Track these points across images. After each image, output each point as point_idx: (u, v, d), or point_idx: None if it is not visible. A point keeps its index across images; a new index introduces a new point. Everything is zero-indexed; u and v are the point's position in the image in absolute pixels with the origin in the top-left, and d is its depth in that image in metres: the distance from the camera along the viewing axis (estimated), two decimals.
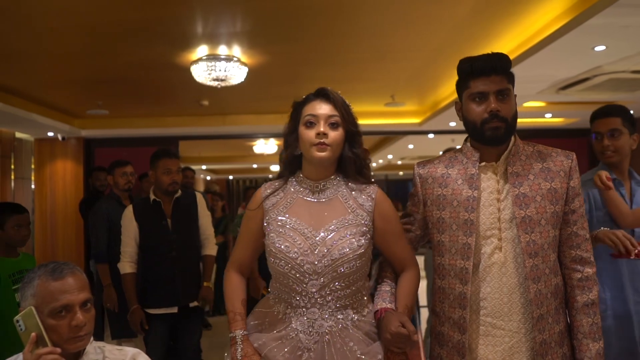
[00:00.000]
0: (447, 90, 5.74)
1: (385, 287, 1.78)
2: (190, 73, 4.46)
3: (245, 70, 4.39)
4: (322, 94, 1.74)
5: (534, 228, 1.68)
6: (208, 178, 16.39)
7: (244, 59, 4.38)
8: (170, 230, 3.36)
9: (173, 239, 3.35)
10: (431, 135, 7.87)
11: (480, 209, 1.72)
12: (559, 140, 7.52)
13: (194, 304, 3.41)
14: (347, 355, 1.64)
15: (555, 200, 1.71)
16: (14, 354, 1.63)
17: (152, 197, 3.39)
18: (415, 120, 7.13)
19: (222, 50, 4.18)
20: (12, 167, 6.87)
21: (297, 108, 1.77)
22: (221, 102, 6.14)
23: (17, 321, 1.48)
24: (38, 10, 3.34)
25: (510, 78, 1.74)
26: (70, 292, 1.51)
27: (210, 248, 3.57)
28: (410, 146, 9.88)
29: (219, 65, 4.18)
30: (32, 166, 7.35)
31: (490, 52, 1.73)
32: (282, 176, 1.82)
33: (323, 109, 1.71)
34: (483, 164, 1.76)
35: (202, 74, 4.29)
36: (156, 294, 3.30)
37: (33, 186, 7.35)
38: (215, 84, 4.37)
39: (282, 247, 1.67)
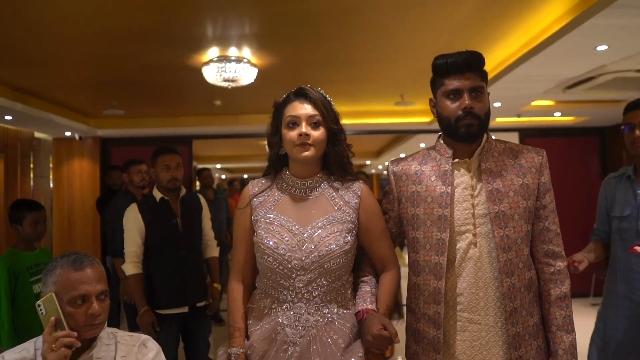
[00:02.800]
0: None
1: (366, 288, 1.82)
2: (202, 74, 4.58)
3: (255, 71, 4.49)
4: (302, 94, 1.79)
5: (508, 223, 1.72)
6: (223, 177, 16.56)
7: (253, 60, 4.49)
8: (181, 229, 3.35)
9: (183, 238, 3.34)
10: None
11: (455, 205, 1.76)
12: (570, 139, 7.56)
13: (202, 303, 3.41)
14: (331, 349, 1.70)
15: (527, 196, 1.76)
16: (33, 335, 1.75)
17: (158, 195, 3.35)
18: (425, 119, 7.19)
19: (233, 52, 4.28)
20: (32, 166, 7.06)
21: (279, 109, 1.82)
22: (233, 101, 6.25)
23: (39, 306, 1.60)
24: (58, 17, 3.48)
25: (484, 76, 1.78)
26: (88, 282, 1.62)
27: (214, 250, 3.59)
28: (422, 145, 9.91)
29: (230, 66, 4.29)
30: (50, 165, 7.55)
31: (464, 50, 1.76)
32: (269, 174, 1.88)
33: (304, 109, 1.76)
34: (456, 160, 1.80)
35: (213, 75, 4.41)
36: (167, 294, 3.26)
37: (51, 184, 7.54)
38: (225, 84, 4.48)
39: (270, 243, 1.72)
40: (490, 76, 4.78)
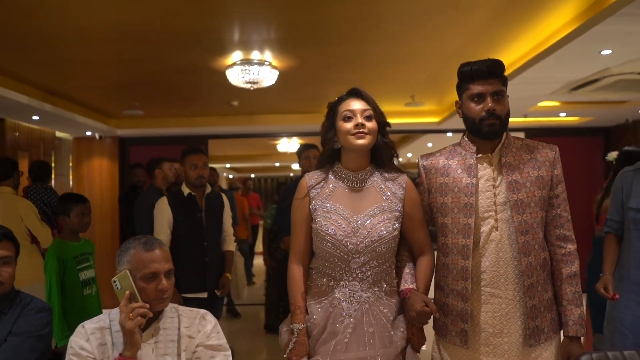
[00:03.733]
0: None
1: (406, 270, 2.06)
2: (223, 76, 4.80)
3: (276, 73, 4.73)
4: (355, 93, 2.04)
5: (525, 210, 1.96)
6: (230, 176, 16.78)
7: (274, 63, 4.72)
8: (204, 222, 3.66)
9: (206, 231, 3.64)
10: (449, 134, 8.12)
11: (478, 194, 1.99)
12: (575, 139, 7.76)
13: (219, 294, 3.71)
14: (382, 320, 1.96)
15: (542, 186, 2.00)
16: (80, 320, 1.94)
17: (186, 191, 3.65)
18: (434, 119, 7.40)
19: (255, 55, 4.51)
20: (53, 164, 7.30)
21: (333, 107, 2.06)
22: (249, 102, 6.47)
23: (114, 281, 1.82)
24: (83, 23, 3.71)
25: (504, 81, 2.02)
26: (158, 262, 1.85)
27: (230, 244, 3.88)
28: (430, 144, 10.15)
29: (252, 69, 4.52)
30: (70, 164, 7.80)
31: (487, 58, 2.00)
32: (323, 167, 2.10)
33: (358, 104, 2.00)
34: (480, 155, 2.03)
35: (236, 77, 4.64)
36: (189, 280, 3.53)
37: (71, 183, 7.78)
38: (248, 86, 4.71)
39: (330, 230, 1.96)
40: None
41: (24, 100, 5.18)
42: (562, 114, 6.88)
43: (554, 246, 2.04)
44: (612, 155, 4.57)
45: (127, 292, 1.80)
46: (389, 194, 2.02)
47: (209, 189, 3.75)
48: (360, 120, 1.97)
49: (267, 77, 4.66)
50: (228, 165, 14.84)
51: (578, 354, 1.95)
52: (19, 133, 6.38)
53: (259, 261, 9.08)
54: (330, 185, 2.05)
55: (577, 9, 3.57)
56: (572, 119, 7.34)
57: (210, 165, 12.48)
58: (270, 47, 4.41)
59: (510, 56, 4.65)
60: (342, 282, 1.97)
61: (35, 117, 6.04)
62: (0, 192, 4.32)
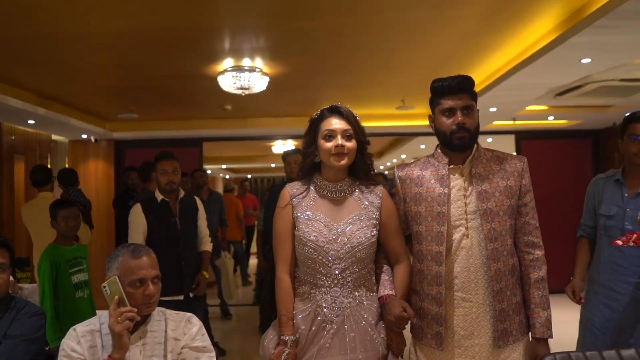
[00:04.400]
0: None
1: (385, 276, 2.14)
2: (216, 81, 4.91)
3: (266, 79, 4.84)
4: (336, 111, 2.11)
5: (494, 218, 2.05)
6: (227, 177, 16.88)
7: (265, 69, 4.82)
8: (179, 227, 3.72)
9: (180, 235, 3.71)
10: None
11: (450, 203, 2.09)
12: (564, 141, 7.89)
13: (194, 293, 3.78)
14: (363, 325, 2.04)
15: (510, 195, 2.09)
16: (72, 322, 2.04)
17: (159, 196, 3.71)
18: (426, 122, 7.43)
19: (246, 62, 4.62)
20: (49, 167, 7.39)
21: (315, 123, 2.13)
22: (243, 106, 6.57)
23: (104, 287, 1.92)
24: (82, 29, 3.80)
25: (474, 96, 2.12)
26: (145, 268, 1.95)
27: (207, 245, 3.99)
28: (422, 146, 10.26)
29: (244, 75, 4.63)
30: (66, 166, 7.87)
31: (457, 75, 2.10)
32: (303, 179, 2.19)
33: (339, 124, 2.07)
34: (451, 166, 2.13)
35: (228, 83, 4.75)
36: (166, 283, 3.58)
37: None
38: (240, 92, 4.81)
39: (312, 236, 2.04)
40: (486, 84, 5.15)
41: (19, 105, 5.27)
42: (551, 118, 6.99)
43: (523, 252, 2.14)
44: None
45: (116, 297, 1.90)
46: (366, 203, 2.11)
47: (182, 193, 3.82)
48: (340, 141, 2.04)
49: (258, 83, 4.77)
50: (224, 167, 14.93)
51: (544, 354, 2.05)
52: (14, 136, 6.47)
53: (256, 262, 9.19)
54: (311, 195, 2.13)
55: (557, 20, 3.69)
56: (561, 122, 7.46)
57: (206, 166, 12.48)
58: (261, 55, 4.52)
59: (496, 63, 4.77)
60: (324, 289, 2.04)
61: (31, 121, 6.13)
62: (43, 197, 4.58)
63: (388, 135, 8.40)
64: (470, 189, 2.10)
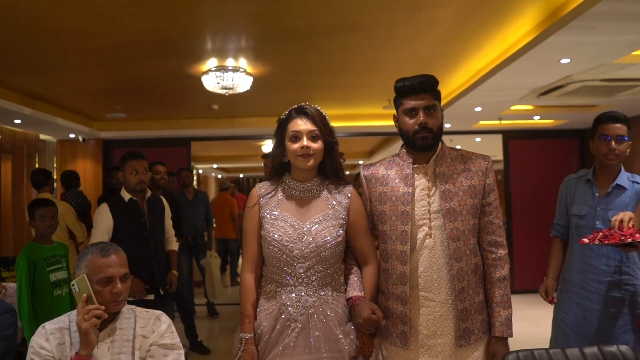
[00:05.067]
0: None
1: (354, 278, 2.14)
2: (200, 81, 4.93)
3: (250, 79, 4.86)
4: (302, 112, 2.10)
5: (457, 217, 2.06)
6: (219, 176, 16.89)
7: (249, 69, 4.84)
8: (148, 226, 3.72)
9: (150, 235, 3.71)
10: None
11: (414, 203, 2.10)
12: (551, 141, 7.95)
13: (165, 291, 3.80)
14: (327, 323, 2.04)
15: (474, 195, 2.09)
16: (50, 318, 2.06)
17: (127, 196, 3.68)
18: None
19: (230, 62, 4.64)
20: (37, 166, 7.40)
21: (282, 125, 2.14)
22: (230, 106, 6.59)
23: (73, 285, 1.95)
24: (68, 30, 3.82)
25: (437, 96, 2.12)
26: (113, 266, 1.98)
27: (174, 244, 4.02)
28: None
29: (227, 75, 4.65)
30: (55, 165, 7.90)
31: (420, 75, 2.09)
32: (273, 179, 2.20)
33: (304, 125, 2.07)
34: (416, 166, 2.14)
35: (212, 83, 4.77)
36: None
37: (55, 184, 7.87)
38: (223, 92, 4.83)
39: (276, 236, 2.05)
40: (468, 84, 5.18)
41: (5, 105, 5.28)
42: (536, 117, 7.03)
43: (486, 251, 2.14)
44: None
45: (84, 295, 1.93)
46: (334, 203, 2.12)
47: (148, 193, 3.82)
48: (305, 142, 2.05)
49: (242, 83, 4.79)
50: (215, 166, 14.93)
51: (503, 353, 2.06)
52: (1, 136, 6.49)
53: None
54: (279, 195, 2.15)
55: (535, 21, 3.73)
56: (548, 122, 7.51)
57: (198, 166, 12.45)
58: (244, 55, 4.54)
59: (478, 63, 4.81)
60: (289, 288, 2.05)
61: (17, 121, 6.14)
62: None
63: (376, 134, 8.42)
64: (433, 188, 2.11)
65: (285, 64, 4.84)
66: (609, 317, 2.73)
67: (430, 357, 2.07)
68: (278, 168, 2.19)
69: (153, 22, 3.70)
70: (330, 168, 2.15)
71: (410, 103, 2.08)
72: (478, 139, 8.84)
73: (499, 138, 8.11)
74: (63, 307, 3.35)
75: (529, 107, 6.59)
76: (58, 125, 6.56)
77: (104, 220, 3.58)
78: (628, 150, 2.75)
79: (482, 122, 7.49)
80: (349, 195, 2.15)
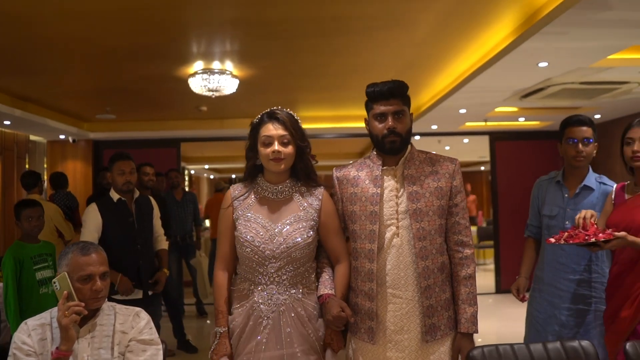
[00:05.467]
0: (425, 97, 6.27)
1: (325, 276, 2.22)
2: (187, 83, 5.01)
3: (236, 82, 4.94)
4: (274, 117, 2.16)
5: (423, 218, 2.14)
6: (211, 177, 16.94)
7: (235, 72, 4.93)
8: (136, 226, 3.78)
9: (138, 234, 3.77)
10: (417, 137, 8.38)
11: (383, 203, 2.18)
12: (537, 142, 8.05)
13: (154, 290, 3.85)
14: (297, 320, 2.12)
15: (441, 196, 2.17)
16: (36, 315, 2.13)
17: (115, 196, 3.74)
18: None
19: (216, 65, 4.72)
20: (27, 166, 7.45)
21: (255, 128, 2.21)
22: (219, 107, 6.67)
23: (54, 282, 2.02)
24: (58, 35, 3.90)
25: (406, 101, 2.20)
26: (93, 265, 2.05)
27: (163, 243, 4.08)
28: None
29: (213, 78, 4.73)
30: (45, 166, 7.95)
31: (390, 80, 2.17)
32: (246, 180, 2.27)
33: (276, 130, 2.13)
34: (385, 168, 2.22)
35: (198, 85, 4.85)
36: None
37: (45, 184, 7.92)
38: (210, 94, 4.91)
39: (248, 237, 2.12)
40: (451, 87, 5.27)
41: None
42: (521, 119, 7.14)
43: (453, 250, 2.22)
44: None
45: (65, 292, 2.00)
46: (305, 204, 2.19)
47: (137, 193, 3.88)
48: (276, 147, 2.11)
49: (228, 85, 4.87)
50: (207, 167, 14.97)
51: (468, 348, 2.14)
52: None
53: None
54: (253, 197, 2.22)
55: (512, 25, 3.83)
56: (532, 124, 7.61)
57: (189, 166, 12.48)
58: (230, 58, 4.62)
59: (460, 66, 4.91)
60: (261, 287, 2.12)
61: (7, 122, 6.19)
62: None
63: (365, 135, 8.48)
64: (402, 189, 2.18)
65: (270, 67, 4.92)
66: (578, 314, 2.82)
67: (397, 352, 2.15)
68: (251, 170, 2.25)
69: (140, 27, 3.78)
70: (302, 171, 2.22)
71: (380, 108, 2.16)
72: (466, 140, 8.94)
73: (486, 139, 8.21)
74: (49, 304, 3.39)
75: (514, 109, 6.69)
76: (48, 126, 6.61)
77: (93, 220, 3.64)
78: (594, 152, 2.85)
79: (468, 124, 7.60)
80: (320, 197, 2.22)
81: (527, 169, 8.02)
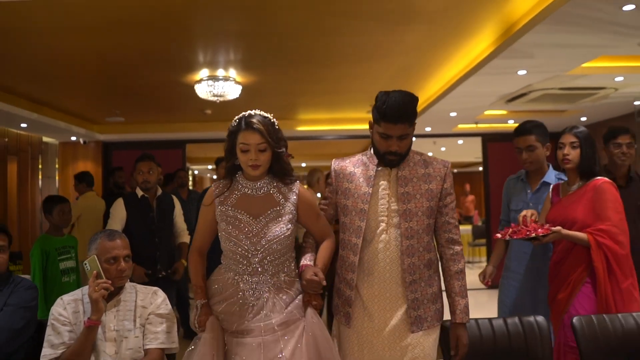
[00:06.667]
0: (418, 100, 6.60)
1: (307, 252, 2.37)
2: (193, 89, 5.38)
3: (239, 88, 5.30)
4: (251, 126, 2.20)
5: (412, 218, 2.27)
6: (214, 177, 17.24)
7: (238, 79, 5.28)
8: (156, 220, 4.14)
9: (157, 228, 4.13)
10: (413, 139, 8.68)
11: (376, 200, 2.30)
12: None
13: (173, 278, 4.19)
14: (279, 304, 2.29)
15: (431, 198, 2.29)
16: None
17: (139, 193, 4.12)
18: None
19: (220, 72, 5.08)
20: (40, 167, 7.82)
21: (234, 133, 2.26)
22: (222, 110, 6.97)
23: (85, 264, 2.37)
24: (71, 48, 4.28)
25: (412, 120, 2.26)
26: (118, 248, 2.40)
27: (185, 237, 4.42)
28: None
29: (218, 84, 5.09)
30: (57, 166, 8.31)
31: (401, 101, 2.19)
32: (227, 178, 2.42)
33: (253, 138, 2.19)
34: (380, 168, 2.33)
35: (203, 91, 5.21)
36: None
37: (57, 184, 8.29)
38: (215, 99, 5.27)
39: (232, 232, 2.30)
40: (441, 91, 5.61)
41: (14, 111, 5.71)
42: (511, 121, 7.46)
43: (444, 247, 2.37)
44: None
45: (94, 271, 2.35)
46: (283, 200, 2.31)
47: (160, 191, 4.25)
48: (253, 155, 2.21)
49: (231, 91, 5.23)
50: (210, 167, 15.30)
51: (465, 336, 2.32)
52: (7, 139, 6.90)
53: None
54: (234, 194, 2.33)
55: (493, 35, 4.16)
56: None
57: (193, 167, 12.81)
58: (234, 66, 4.97)
59: (448, 72, 5.25)
60: (245, 276, 2.26)
61: (24, 125, 6.55)
62: (94, 196, 5.86)
63: (361, 137, 8.84)
64: (394, 189, 2.30)
65: (271, 73, 5.27)
66: (536, 291, 3.12)
67: (380, 340, 2.29)
68: (230, 169, 2.41)
69: (150, 37, 4.13)
70: (279, 172, 2.36)
71: (386, 130, 2.22)
72: (460, 142, 9.27)
73: (477, 141, 8.54)
74: (70, 292, 3.76)
75: (503, 112, 7.01)
76: (60, 128, 6.97)
77: (118, 213, 4.04)
78: (547, 152, 3.16)
79: (461, 126, 7.93)
80: (297, 191, 2.35)
81: (518, 169, 8.26)
